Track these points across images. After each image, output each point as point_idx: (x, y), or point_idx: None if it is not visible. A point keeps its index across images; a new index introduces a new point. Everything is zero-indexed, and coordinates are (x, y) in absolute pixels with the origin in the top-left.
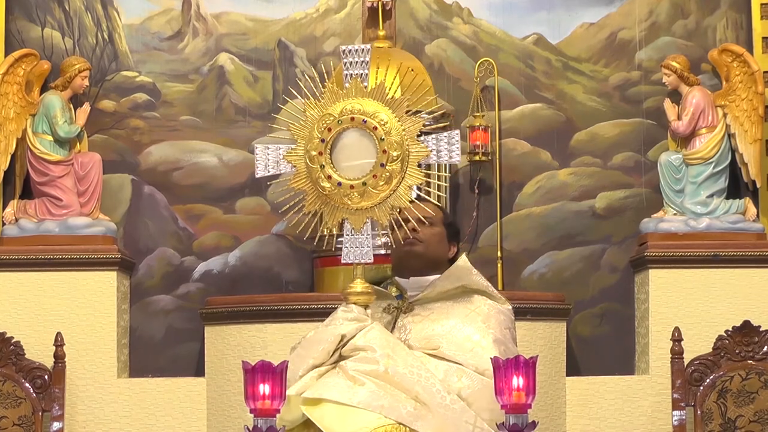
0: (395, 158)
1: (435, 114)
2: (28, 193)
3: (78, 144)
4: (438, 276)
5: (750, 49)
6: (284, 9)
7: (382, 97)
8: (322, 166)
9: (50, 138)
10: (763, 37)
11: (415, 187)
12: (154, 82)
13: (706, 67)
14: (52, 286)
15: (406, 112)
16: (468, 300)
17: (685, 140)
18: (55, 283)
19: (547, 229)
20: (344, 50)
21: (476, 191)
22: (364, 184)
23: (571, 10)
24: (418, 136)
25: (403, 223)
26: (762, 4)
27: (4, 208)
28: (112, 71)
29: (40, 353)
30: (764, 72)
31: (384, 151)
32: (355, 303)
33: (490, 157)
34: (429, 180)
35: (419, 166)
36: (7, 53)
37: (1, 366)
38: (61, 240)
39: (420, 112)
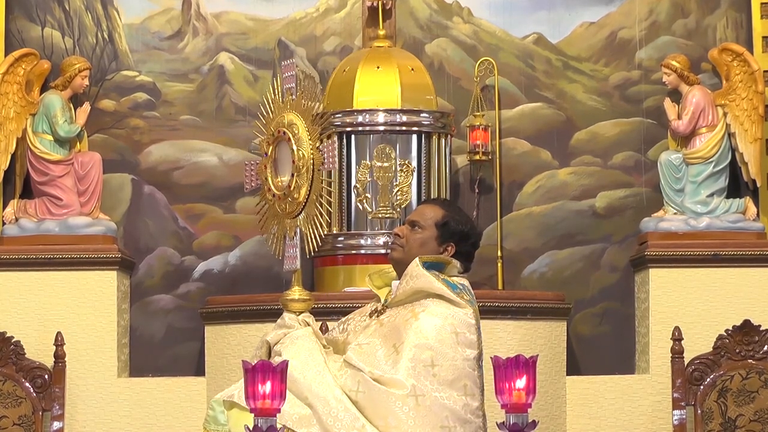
0: (300, 167)
1: (435, 114)
2: (28, 192)
3: (78, 143)
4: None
5: (750, 49)
6: (284, 8)
7: (299, 108)
8: (266, 178)
9: (50, 137)
10: (763, 37)
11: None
12: (154, 82)
13: (706, 66)
14: (53, 286)
15: (320, 117)
16: (418, 304)
17: (685, 139)
18: (55, 282)
19: (548, 228)
20: (282, 65)
21: (476, 190)
22: (285, 194)
23: (571, 10)
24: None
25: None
26: (762, 4)
27: (4, 207)
28: (112, 71)
29: (40, 353)
30: (764, 71)
31: (293, 161)
32: (291, 310)
33: (490, 157)
34: (327, 188)
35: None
36: (7, 53)
37: (2, 366)
38: (61, 240)
39: (335, 114)
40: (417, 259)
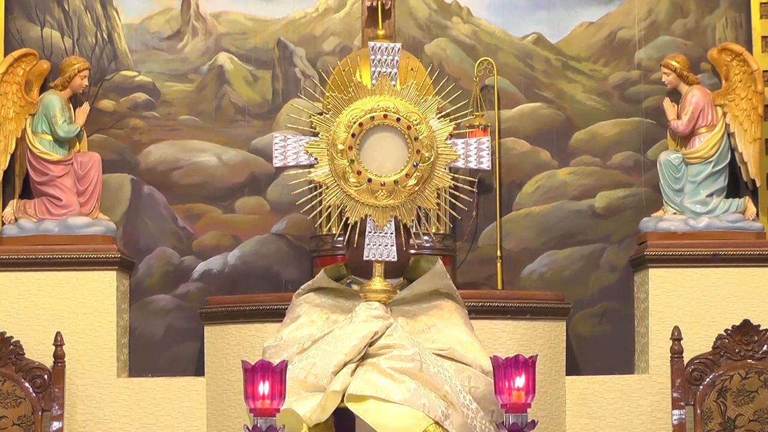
0: (427, 159)
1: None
2: (27, 192)
3: (77, 143)
4: (402, 278)
5: (749, 48)
6: (284, 8)
7: (412, 98)
8: (352, 161)
9: (50, 138)
10: (763, 36)
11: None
12: (153, 82)
13: (706, 66)
14: (52, 286)
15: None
16: (441, 303)
17: (684, 139)
18: (54, 282)
19: (547, 228)
20: (373, 47)
21: (476, 190)
22: (396, 182)
23: (571, 10)
24: (448, 139)
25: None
26: (761, 3)
27: (3, 207)
28: (111, 71)
29: (39, 353)
30: (764, 71)
31: (417, 152)
32: (374, 300)
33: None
34: (456, 183)
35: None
36: (6, 53)
37: (1, 366)
38: (60, 240)
39: (450, 114)
40: (440, 260)
